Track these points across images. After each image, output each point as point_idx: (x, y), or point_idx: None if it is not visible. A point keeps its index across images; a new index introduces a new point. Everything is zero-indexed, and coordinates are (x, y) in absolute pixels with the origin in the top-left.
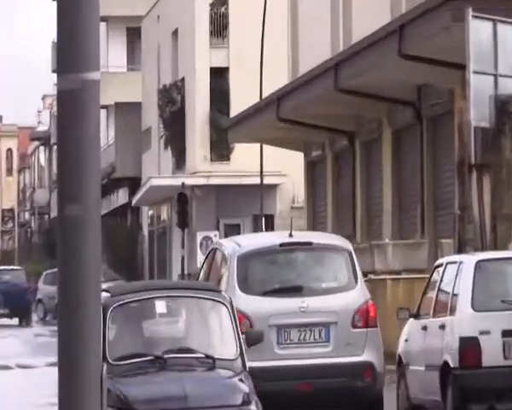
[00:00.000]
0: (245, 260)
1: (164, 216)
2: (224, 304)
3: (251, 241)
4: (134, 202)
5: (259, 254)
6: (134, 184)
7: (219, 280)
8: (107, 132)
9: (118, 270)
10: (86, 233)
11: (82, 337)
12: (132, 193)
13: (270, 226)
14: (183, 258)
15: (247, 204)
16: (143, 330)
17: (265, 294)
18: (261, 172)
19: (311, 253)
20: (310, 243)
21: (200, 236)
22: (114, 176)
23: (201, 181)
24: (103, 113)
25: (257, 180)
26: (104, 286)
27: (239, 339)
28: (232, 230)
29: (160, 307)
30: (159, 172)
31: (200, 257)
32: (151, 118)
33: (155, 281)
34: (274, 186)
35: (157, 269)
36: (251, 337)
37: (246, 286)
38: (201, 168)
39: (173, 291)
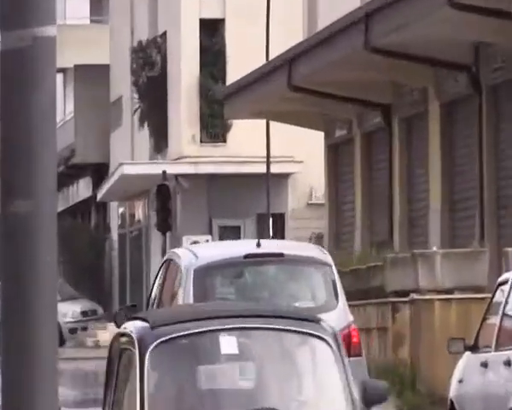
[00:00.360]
0: (203, 274)
1: (139, 215)
2: (325, 340)
3: (211, 251)
4: (100, 196)
5: (220, 267)
6: (100, 172)
7: (173, 299)
8: (63, 104)
9: (78, 285)
10: (38, 236)
11: (32, 377)
12: (97, 185)
13: (279, 229)
14: None
15: (248, 200)
16: (201, 382)
17: None
18: (267, 157)
19: (283, 266)
20: (281, 255)
21: (186, 241)
22: (74, 162)
23: (188, 169)
24: (60, 78)
25: (262, 168)
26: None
27: (351, 395)
28: (229, 233)
29: (227, 344)
30: (132, 158)
31: None
32: (122, 85)
33: (217, 303)
34: (285, 176)
35: (130, 284)
36: (372, 393)
37: None
38: (188, 152)
39: (246, 320)
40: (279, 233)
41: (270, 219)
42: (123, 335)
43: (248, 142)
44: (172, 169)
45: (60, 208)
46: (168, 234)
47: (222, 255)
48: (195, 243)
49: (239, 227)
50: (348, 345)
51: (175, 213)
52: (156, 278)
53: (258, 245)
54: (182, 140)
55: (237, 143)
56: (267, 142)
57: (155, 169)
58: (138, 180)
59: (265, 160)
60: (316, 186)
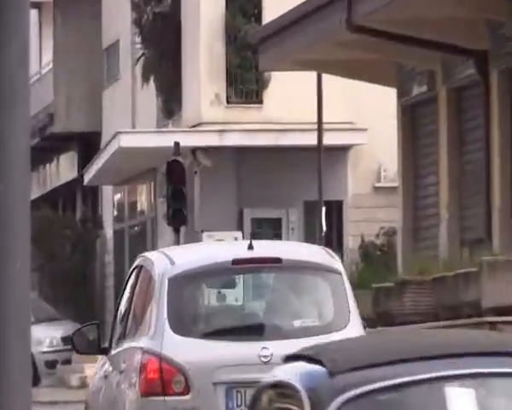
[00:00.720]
0: (179, 284)
1: (142, 204)
2: None
3: (191, 255)
4: (88, 178)
5: (201, 275)
6: (88, 145)
7: (143, 316)
8: (39, 52)
9: (58, 301)
10: (4, 234)
11: None
12: (85, 162)
13: (335, 222)
14: None
15: (293, 183)
16: None
17: (209, 336)
18: (319, 123)
19: (281, 275)
20: (278, 260)
21: (208, 239)
22: (53, 131)
23: (211, 140)
24: (34, 16)
25: (312, 139)
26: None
27: None
28: (266, 228)
29: (460, 401)
30: (133, 124)
31: None
32: (119, 26)
33: (433, 333)
34: (343, 150)
35: None
36: None
37: (180, 324)
38: (211, 117)
39: (486, 361)
40: (335, 227)
41: (323, 210)
42: (277, 386)
43: (293, 102)
44: (188, 140)
45: (34, 195)
46: (182, 229)
47: (204, 261)
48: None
49: (279, 220)
50: None
51: (192, 200)
52: (124, 289)
53: (250, 248)
54: (201, 100)
55: (277, 104)
56: (318, 103)
57: (165, 140)
58: (141, 156)
59: (316, 127)
60: (385, 163)
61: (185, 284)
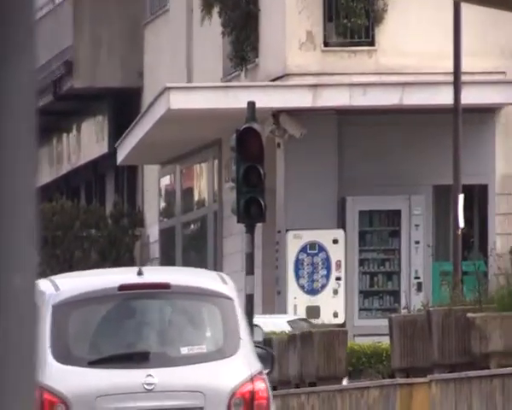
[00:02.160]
0: (64, 311)
1: (202, 191)
2: None
3: (77, 281)
4: (124, 155)
5: (86, 301)
6: (123, 107)
7: None
8: None
9: None
10: (2, 233)
11: None
12: (118, 132)
13: (479, 215)
14: (249, 297)
15: (418, 159)
16: None
17: (92, 364)
18: (456, 74)
19: (169, 301)
20: (166, 286)
21: (294, 239)
22: (72, 86)
23: (301, 99)
24: None
25: (444, 97)
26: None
27: None
28: (380, 224)
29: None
30: (188, 78)
31: (298, 294)
32: None
33: None
34: (490, 112)
35: None
36: None
37: (63, 352)
38: (300, 66)
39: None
40: (477, 223)
41: (461, 198)
42: None
43: (418, 44)
44: (268, 99)
45: (44, 180)
46: (259, 228)
47: (89, 287)
48: (315, 245)
49: (398, 213)
50: (251, 405)
51: (273, 186)
52: None
53: (140, 273)
54: (287, 42)
55: (396, 46)
56: (455, 44)
57: (234, 99)
58: (200, 122)
59: (452, 79)
60: None
61: (69, 310)
